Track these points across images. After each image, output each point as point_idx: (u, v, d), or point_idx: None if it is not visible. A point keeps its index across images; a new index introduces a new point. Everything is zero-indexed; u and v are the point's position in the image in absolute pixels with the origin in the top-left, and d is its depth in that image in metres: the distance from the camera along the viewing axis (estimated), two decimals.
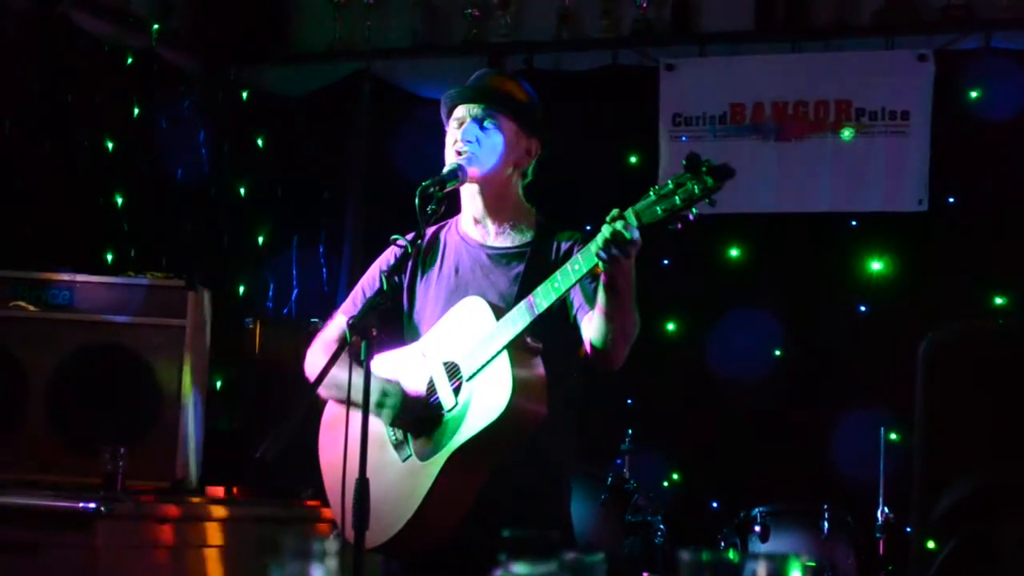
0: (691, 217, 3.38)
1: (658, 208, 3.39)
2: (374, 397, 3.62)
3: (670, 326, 6.93)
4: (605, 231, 3.45)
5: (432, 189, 3.75)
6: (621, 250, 3.45)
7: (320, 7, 7.76)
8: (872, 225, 6.80)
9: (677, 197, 3.35)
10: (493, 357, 3.66)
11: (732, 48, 7.20)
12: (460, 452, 3.68)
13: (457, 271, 3.95)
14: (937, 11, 6.84)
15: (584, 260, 3.54)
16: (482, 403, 3.66)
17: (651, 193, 3.41)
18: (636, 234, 3.43)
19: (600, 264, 3.49)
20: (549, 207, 4.07)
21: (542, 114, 4.04)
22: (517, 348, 3.67)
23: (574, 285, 3.61)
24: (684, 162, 3.34)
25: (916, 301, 6.53)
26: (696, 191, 3.32)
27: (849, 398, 6.46)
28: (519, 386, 3.62)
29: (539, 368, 3.70)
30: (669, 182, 3.37)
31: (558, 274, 3.60)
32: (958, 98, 6.69)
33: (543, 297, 3.60)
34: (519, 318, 3.64)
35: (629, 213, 3.44)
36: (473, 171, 3.88)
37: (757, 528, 5.82)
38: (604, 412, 6.32)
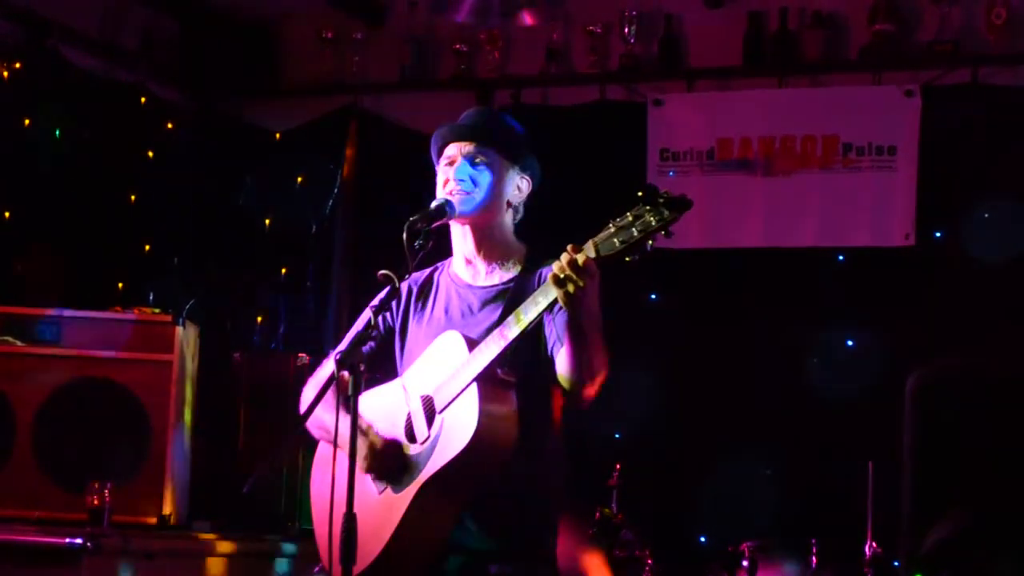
0: (649, 249, 3.38)
1: (616, 240, 3.38)
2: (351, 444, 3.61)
3: (657, 360, 6.92)
4: (561, 262, 3.46)
5: (420, 225, 3.75)
6: (577, 282, 3.45)
7: (309, 42, 7.78)
8: (859, 260, 6.81)
9: (635, 228, 3.34)
10: (464, 388, 3.66)
11: (720, 83, 7.22)
12: (430, 483, 3.69)
13: (447, 312, 3.95)
14: (924, 46, 6.88)
15: (547, 292, 3.55)
16: (450, 435, 3.67)
17: (609, 225, 3.41)
18: (592, 266, 3.43)
19: (559, 297, 3.49)
20: (537, 242, 4.07)
21: (532, 151, 4.04)
22: (487, 380, 3.66)
23: (540, 316, 3.60)
24: (640, 193, 3.34)
25: (903, 336, 6.53)
26: (653, 222, 3.32)
27: (837, 432, 6.46)
28: (486, 418, 3.61)
29: (510, 401, 3.70)
30: (628, 214, 3.36)
31: (526, 303, 3.61)
32: (945, 133, 6.71)
33: (513, 326, 3.61)
34: (490, 348, 3.64)
35: (588, 246, 3.44)
36: (465, 210, 3.87)
37: (745, 562, 5.81)
38: (592, 446, 6.30)
